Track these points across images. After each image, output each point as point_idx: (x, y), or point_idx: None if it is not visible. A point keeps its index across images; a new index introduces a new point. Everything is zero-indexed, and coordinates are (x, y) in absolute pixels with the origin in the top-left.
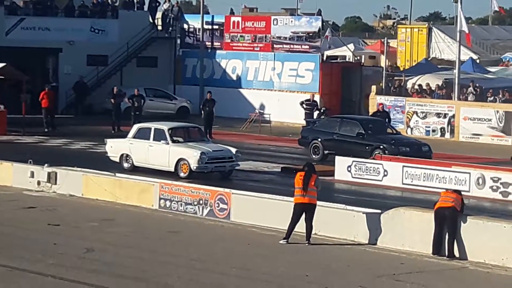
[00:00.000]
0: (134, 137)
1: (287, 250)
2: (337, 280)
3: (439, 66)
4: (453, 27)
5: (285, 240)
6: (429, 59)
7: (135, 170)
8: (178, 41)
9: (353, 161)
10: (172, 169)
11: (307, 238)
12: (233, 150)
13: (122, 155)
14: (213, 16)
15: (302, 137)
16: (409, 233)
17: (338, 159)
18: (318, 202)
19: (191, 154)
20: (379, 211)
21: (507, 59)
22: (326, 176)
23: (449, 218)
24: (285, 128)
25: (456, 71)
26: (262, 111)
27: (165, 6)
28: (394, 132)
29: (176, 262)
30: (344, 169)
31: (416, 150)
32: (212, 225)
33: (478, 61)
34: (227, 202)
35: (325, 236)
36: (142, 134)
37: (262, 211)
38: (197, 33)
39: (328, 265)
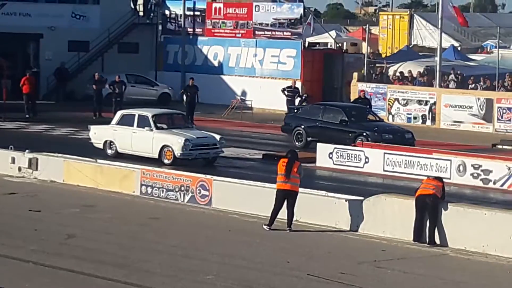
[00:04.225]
0: (117, 123)
1: (268, 236)
2: (318, 267)
3: (420, 53)
4: (435, 14)
5: (268, 227)
6: (410, 46)
7: (119, 156)
8: (160, 27)
9: (335, 148)
10: (156, 156)
11: (288, 225)
12: (217, 137)
13: (105, 141)
14: (194, 2)
15: (285, 124)
16: (390, 220)
17: (319, 146)
18: (300, 189)
19: (175, 141)
20: (360, 198)
21: (488, 46)
22: (307, 163)
23: (430, 205)
24: (267, 115)
25: (437, 58)
26: (243, 98)
27: None
28: (377, 119)
29: (157, 248)
30: (326, 156)
31: (399, 137)
32: (193, 212)
33: (459, 48)
34: (208, 188)
35: (306, 223)
36: (126, 121)
37: (244, 198)
38: (179, 19)
39: (310, 251)
